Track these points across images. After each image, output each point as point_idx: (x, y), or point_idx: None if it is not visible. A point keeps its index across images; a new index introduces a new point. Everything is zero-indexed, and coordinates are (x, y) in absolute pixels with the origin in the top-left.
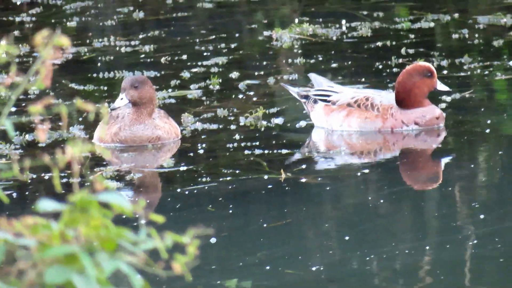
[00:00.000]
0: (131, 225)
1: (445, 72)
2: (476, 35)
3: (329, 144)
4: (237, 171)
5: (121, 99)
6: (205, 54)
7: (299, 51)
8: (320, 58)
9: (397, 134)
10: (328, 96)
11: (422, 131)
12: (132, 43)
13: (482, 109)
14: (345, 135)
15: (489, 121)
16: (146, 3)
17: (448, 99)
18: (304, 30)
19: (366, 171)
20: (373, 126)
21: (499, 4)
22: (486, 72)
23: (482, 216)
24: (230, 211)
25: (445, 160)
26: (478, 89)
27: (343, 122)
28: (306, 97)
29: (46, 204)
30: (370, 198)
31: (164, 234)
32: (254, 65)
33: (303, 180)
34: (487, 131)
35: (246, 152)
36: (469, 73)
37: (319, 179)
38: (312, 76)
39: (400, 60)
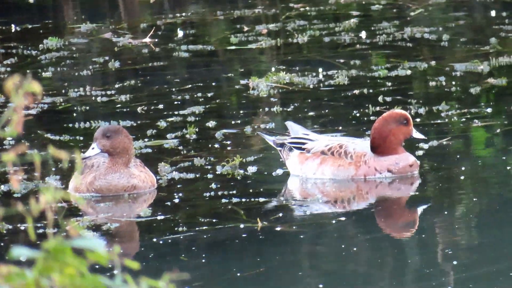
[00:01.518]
0: (107, 274)
1: (422, 119)
2: (453, 83)
3: (304, 192)
4: (214, 220)
5: (93, 148)
6: (181, 103)
7: (276, 100)
8: (297, 106)
9: (370, 182)
10: (303, 144)
11: (395, 178)
12: (108, 92)
13: (458, 156)
14: (319, 183)
15: (463, 168)
16: (122, 53)
17: (426, 146)
18: (280, 78)
19: (341, 219)
20: (346, 174)
21: (476, 51)
22: (463, 120)
23: (455, 263)
24: (205, 261)
25: (419, 208)
26: (455, 137)
27: (317, 170)
28: (282, 145)
29: (19, 251)
30: (345, 246)
31: (140, 280)
32: (231, 114)
33: (279, 228)
34: (462, 178)
35: (223, 200)
36: (446, 120)
37: (295, 227)
38: (289, 124)
39: (377, 108)
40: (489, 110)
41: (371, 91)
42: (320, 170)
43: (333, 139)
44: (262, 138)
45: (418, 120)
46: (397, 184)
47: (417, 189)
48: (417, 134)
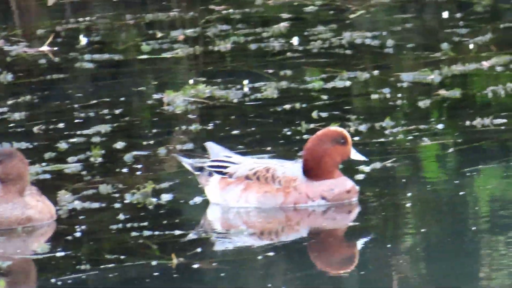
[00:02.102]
0: None
1: (363, 138)
2: (399, 95)
3: (226, 223)
4: (122, 257)
5: None
6: (85, 121)
7: (195, 117)
8: (219, 124)
9: (301, 211)
10: (225, 167)
11: (331, 207)
12: (0, 110)
13: (404, 180)
14: (243, 213)
15: (410, 194)
16: (16, 64)
17: (367, 169)
18: (200, 92)
19: (269, 254)
20: (274, 201)
21: (425, 59)
22: (411, 137)
23: None
24: None
25: (358, 241)
26: (402, 157)
27: (240, 198)
28: (201, 169)
29: None
30: (272, 285)
31: None
32: (143, 133)
33: (197, 265)
34: (409, 205)
35: (133, 234)
36: (391, 138)
37: (215, 264)
38: (209, 145)
39: (311, 125)
40: (440, 126)
41: (304, 105)
42: (244, 198)
43: (259, 161)
44: (178, 161)
45: (358, 138)
46: (333, 213)
47: (356, 219)
48: (356, 155)
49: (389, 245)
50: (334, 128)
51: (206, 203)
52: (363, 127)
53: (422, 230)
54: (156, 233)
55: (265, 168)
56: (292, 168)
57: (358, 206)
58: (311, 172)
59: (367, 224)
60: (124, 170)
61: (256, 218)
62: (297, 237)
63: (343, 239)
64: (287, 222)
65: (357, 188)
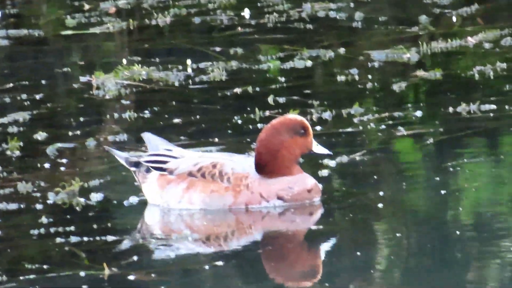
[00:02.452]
0: None
1: (327, 127)
2: (370, 77)
3: (167, 228)
4: (45, 267)
5: None
6: (0, 108)
7: (129, 103)
8: (158, 112)
9: (254, 213)
10: (164, 163)
11: (289, 208)
12: None
13: (376, 177)
14: (186, 215)
15: (382, 193)
16: None
17: (332, 164)
18: (135, 73)
19: (217, 263)
20: (222, 202)
21: (400, 34)
22: (383, 127)
23: None
24: None
25: (321, 248)
26: (373, 150)
27: (183, 198)
28: (137, 164)
29: None
30: None
31: None
32: (68, 122)
33: (133, 276)
34: (380, 206)
35: (58, 240)
36: (360, 128)
37: (154, 275)
38: (146, 136)
39: (267, 113)
40: (418, 113)
41: (257, 89)
42: (187, 198)
43: (205, 155)
44: (111, 155)
45: (321, 128)
46: (291, 215)
47: (319, 222)
48: (318, 148)
49: (358, 253)
50: (293, 116)
51: (143, 204)
52: (327, 115)
53: (396, 235)
54: (85, 239)
55: (211, 163)
56: (243, 163)
57: (321, 207)
58: (266, 167)
59: (332, 228)
60: (46, 165)
61: (202, 221)
62: (249, 243)
63: (303, 246)
64: (238, 226)
65: (320, 186)
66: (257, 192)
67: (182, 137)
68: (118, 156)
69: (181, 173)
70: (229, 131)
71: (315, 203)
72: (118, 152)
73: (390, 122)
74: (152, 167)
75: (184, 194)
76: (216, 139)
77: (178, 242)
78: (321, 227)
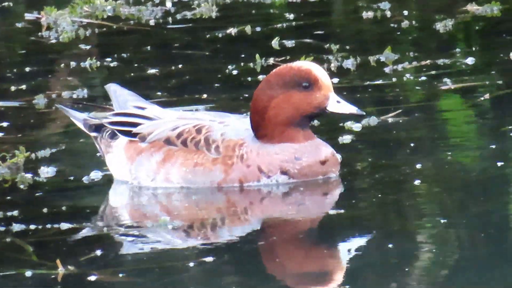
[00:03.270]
0: None
1: (350, 79)
2: (405, 12)
3: (139, 212)
4: None
5: None
6: None
7: (90, 47)
8: (127, 59)
9: (251, 193)
10: (134, 125)
11: (296, 186)
12: None
13: (413, 145)
14: (163, 196)
15: (421, 165)
16: None
17: (357, 127)
18: (97, 9)
19: (205, 259)
20: (209, 179)
21: None
22: (423, 78)
23: None
24: None
25: (340, 238)
26: (410, 109)
27: (158, 173)
28: (99, 128)
29: None
30: None
31: None
32: (9, 74)
33: (95, 277)
34: (417, 182)
35: None
36: (393, 80)
37: (122, 275)
38: (112, 89)
39: (270, 60)
40: (469, 60)
41: (258, 29)
42: (164, 173)
43: (187, 116)
44: (66, 117)
45: (340, 81)
46: (299, 195)
47: (336, 205)
48: (339, 106)
49: (389, 245)
50: (297, 64)
51: (107, 180)
52: (349, 63)
53: (439, 221)
54: (32, 227)
55: (195, 126)
56: (237, 127)
57: (339, 185)
58: (257, 131)
59: (353, 213)
60: None
61: (183, 204)
62: (245, 233)
63: (316, 236)
64: (230, 210)
65: (338, 157)
66: (254, 165)
67: (159, 93)
68: (74, 118)
69: (155, 140)
70: (221, 85)
71: (331, 179)
72: (74, 112)
73: (433, 72)
74: (118, 131)
75: (159, 169)
76: (204, 95)
77: (153, 231)
78: (340, 211)
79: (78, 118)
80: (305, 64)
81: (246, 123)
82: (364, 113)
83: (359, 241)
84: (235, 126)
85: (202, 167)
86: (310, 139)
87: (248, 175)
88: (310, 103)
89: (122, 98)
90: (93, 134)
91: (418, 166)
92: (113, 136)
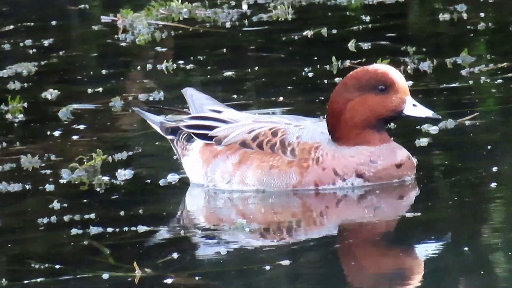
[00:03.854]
0: None
1: (426, 82)
2: (482, 14)
3: (215, 215)
4: (57, 267)
5: None
6: None
7: (166, 50)
8: (203, 61)
9: (327, 196)
10: (210, 128)
11: (372, 189)
12: None
13: (490, 147)
14: (238, 199)
15: (496, 169)
16: None
17: (434, 130)
18: (173, 11)
19: (281, 262)
20: (284, 181)
21: None
22: (500, 81)
23: None
24: None
25: (416, 241)
26: (487, 112)
27: (233, 176)
28: (175, 131)
29: None
30: None
31: None
32: (86, 77)
33: (171, 279)
34: (493, 185)
35: (74, 231)
36: (470, 82)
37: (199, 278)
38: (189, 93)
39: (347, 63)
40: None
41: (334, 32)
42: (239, 176)
43: (263, 119)
44: (142, 120)
45: (416, 83)
46: (375, 198)
47: (413, 208)
48: (416, 110)
49: (465, 249)
50: (374, 67)
51: (184, 183)
52: (426, 66)
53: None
54: (109, 230)
55: (271, 130)
56: (312, 130)
57: (415, 188)
58: (333, 134)
59: (430, 216)
60: (58, 132)
61: (259, 207)
62: (321, 237)
63: (392, 240)
64: (306, 213)
65: (414, 160)
66: (330, 168)
67: (234, 95)
68: (150, 121)
69: (231, 143)
70: (297, 87)
71: (406, 183)
72: (151, 115)
73: (510, 74)
74: (194, 134)
75: (235, 171)
76: (281, 98)
77: (229, 234)
78: (416, 214)
79: (155, 121)
80: (382, 67)
81: (322, 126)
82: (440, 117)
83: (436, 244)
84: (310, 129)
85: (278, 169)
86: (385, 142)
87: (323, 178)
88: (386, 106)
89: (199, 102)
90: (169, 137)
91: (495, 169)
92: (189, 139)
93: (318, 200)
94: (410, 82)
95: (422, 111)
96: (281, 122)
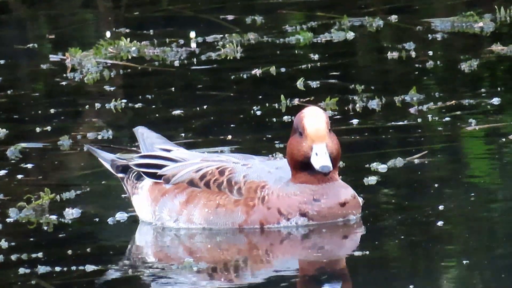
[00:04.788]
0: None
1: (376, 119)
2: (431, 53)
3: (164, 254)
4: None
5: None
6: None
7: (115, 89)
8: (153, 100)
9: (272, 234)
10: (160, 167)
11: (315, 228)
12: None
13: (436, 185)
14: (185, 237)
15: (442, 207)
16: None
17: (383, 168)
18: (122, 50)
19: None
20: (230, 220)
21: None
22: (448, 119)
23: None
24: None
25: (362, 280)
26: (435, 150)
27: (180, 215)
28: (125, 169)
29: None
30: None
31: None
32: (34, 115)
33: None
34: (440, 225)
35: (22, 271)
36: (419, 120)
37: None
38: (140, 131)
39: (295, 101)
40: (494, 101)
41: (283, 70)
42: (186, 215)
43: (211, 158)
44: (92, 158)
45: (363, 121)
46: (319, 238)
47: (357, 247)
48: (315, 159)
49: (411, 287)
50: (307, 109)
51: (133, 222)
52: (374, 104)
53: (463, 263)
54: (57, 269)
55: (218, 168)
56: (260, 169)
57: (361, 227)
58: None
59: (375, 255)
60: (4, 172)
61: (205, 246)
62: (270, 276)
63: (339, 277)
64: (252, 252)
65: (360, 200)
66: (275, 207)
67: (183, 134)
68: (102, 159)
69: (179, 182)
70: (246, 126)
71: (351, 222)
72: (103, 153)
73: (458, 112)
74: (144, 173)
75: (182, 210)
76: (229, 136)
77: (177, 274)
78: (364, 252)
79: (106, 159)
80: (305, 111)
81: (270, 165)
82: (327, 171)
83: (385, 283)
84: (258, 168)
85: (224, 208)
86: (327, 182)
87: (269, 217)
88: (299, 150)
89: (149, 141)
90: (120, 175)
91: (441, 207)
92: (139, 177)
93: (264, 240)
94: (355, 121)
95: (319, 160)
96: (229, 161)
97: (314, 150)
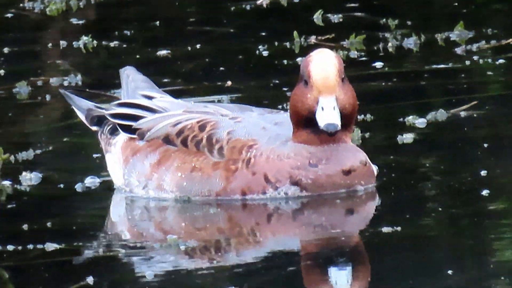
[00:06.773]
0: None
1: (411, 63)
2: None
3: (140, 229)
4: None
5: None
6: None
7: (85, 22)
8: (131, 36)
9: (257, 208)
10: (136, 118)
11: (311, 201)
12: None
13: (486, 145)
14: (155, 208)
15: (484, 173)
16: None
17: (420, 122)
18: None
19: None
20: (206, 187)
21: None
22: (502, 61)
23: None
24: None
25: (376, 265)
26: (486, 100)
27: (150, 180)
28: (101, 121)
29: None
30: None
31: None
32: None
33: None
34: (484, 193)
35: None
36: (466, 63)
37: None
38: (126, 73)
39: (312, 39)
40: None
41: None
42: (156, 180)
43: (196, 108)
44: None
45: (398, 64)
46: (315, 214)
47: (366, 225)
48: (321, 115)
49: (448, 272)
50: (317, 51)
51: (105, 188)
52: (411, 42)
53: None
54: (9, 248)
55: (199, 122)
56: (252, 124)
57: (372, 199)
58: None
59: (397, 236)
60: None
61: (177, 219)
62: (257, 261)
63: (340, 262)
64: (232, 230)
65: (374, 168)
66: (261, 172)
67: (168, 79)
68: (77, 107)
69: (154, 138)
70: (249, 70)
71: (358, 193)
72: (80, 100)
73: None
74: (119, 125)
75: (152, 173)
76: (229, 83)
77: (157, 253)
78: (382, 229)
79: (82, 108)
80: (315, 54)
81: (269, 119)
82: (333, 131)
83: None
84: (249, 122)
85: (200, 172)
86: (330, 143)
87: (253, 185)
88: (303, 102)
89: (133, 85)
90: (94, 128)
91: (483, 173)
92: (113, 131)
93: (247, 215)
94: (379, 63)
95: (321, 118)
96: (216, 113)
97: (320, 104)
